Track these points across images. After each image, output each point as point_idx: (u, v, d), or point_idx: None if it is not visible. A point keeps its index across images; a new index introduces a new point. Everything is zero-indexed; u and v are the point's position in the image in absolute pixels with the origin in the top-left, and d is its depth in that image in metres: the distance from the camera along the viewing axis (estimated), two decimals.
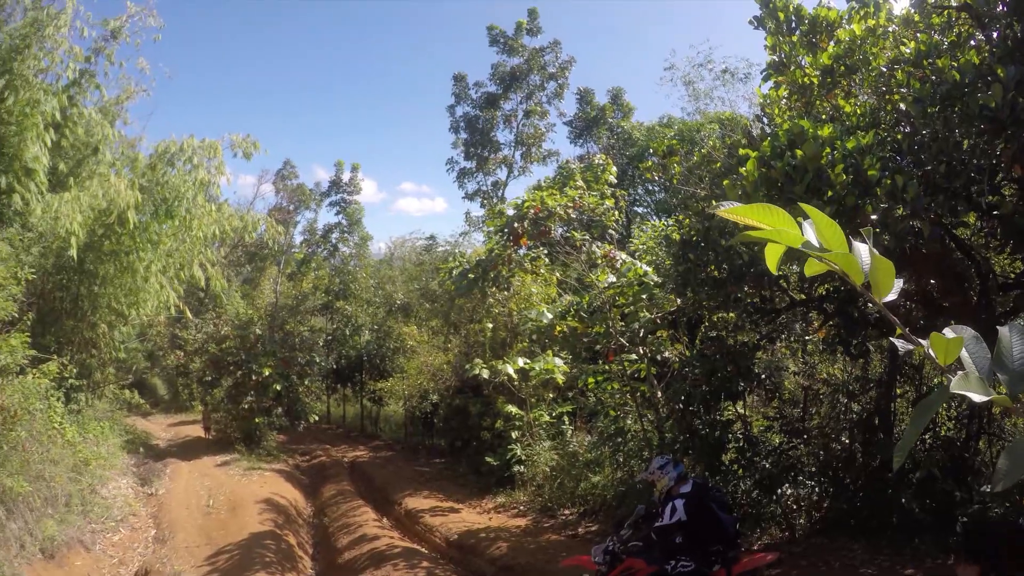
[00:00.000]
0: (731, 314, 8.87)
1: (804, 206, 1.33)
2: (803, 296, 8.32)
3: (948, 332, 1.22)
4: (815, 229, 1.24)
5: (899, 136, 6.16)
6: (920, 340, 1.25)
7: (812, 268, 1.29)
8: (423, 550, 10.31)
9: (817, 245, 1.24)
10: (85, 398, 12.04)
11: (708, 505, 5.60)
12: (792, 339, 9.55)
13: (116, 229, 11.85)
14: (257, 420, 17.78)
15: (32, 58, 11.91)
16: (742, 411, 9.15)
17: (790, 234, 1.23)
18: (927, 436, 8.03)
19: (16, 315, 8.47)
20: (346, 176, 36.77)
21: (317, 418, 21.63)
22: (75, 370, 10.18)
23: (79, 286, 11.94)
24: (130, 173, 13.30)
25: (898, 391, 8.54)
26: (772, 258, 1.32)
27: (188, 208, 13.23)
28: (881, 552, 7.07)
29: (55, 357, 9.14)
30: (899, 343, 1.33)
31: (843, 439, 8.55)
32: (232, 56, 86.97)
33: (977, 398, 1.15)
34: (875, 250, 1.24)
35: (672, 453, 9.20)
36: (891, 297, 1.24)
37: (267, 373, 17.79)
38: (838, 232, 1.22)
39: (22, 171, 11.85)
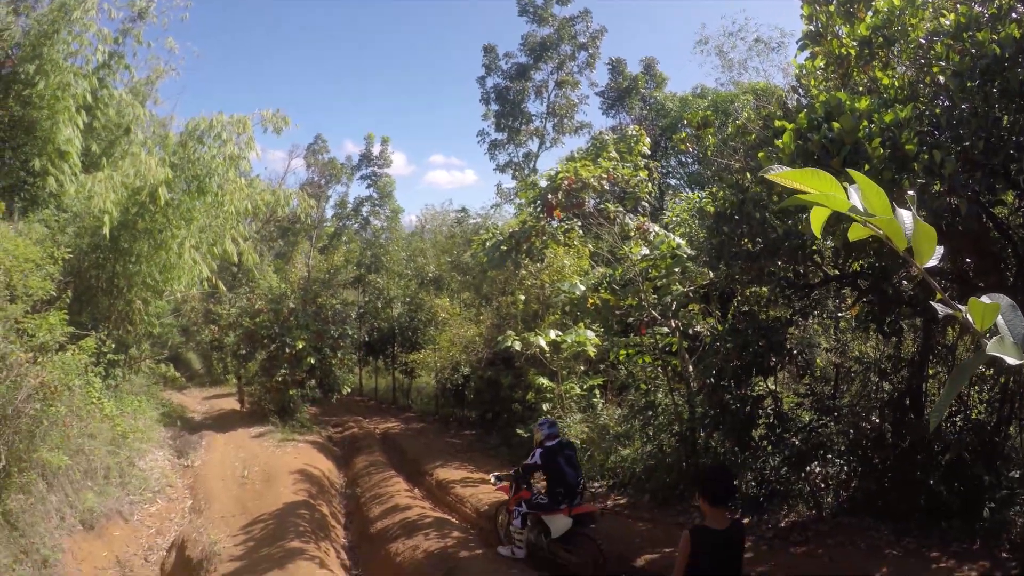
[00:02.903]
0: (764, 288, 8.73)
1: (851, 171, 1.37)
2: (837, 272, 8.15)
3: (985, 299, 1.26)
4: (860, 194, 1.28)
5: (937, 110, 5.95)
6: (958, 305, 1.28)
7: (856, 233, 1.32)
8: (454, 520, 10.40)
9: (862, 210, 1.27)
10: (122, 373, 12.29)
11: (557, 459, 7.74)
12: (825, 316, 9.37)
13: (149, 207, 12.00)
14: (291, 392, 18.05)
15: (61, 42, 12.09)
16: (773, 387, 9.01)
17: (837, 198, 1.26)
18: (958, 419, 7.86)
19: (54, 294, 8.63)
20: (376, 149, 36.77)
21: (349, 390, 21.84)
22: (112, 345, 10.35)
23: (114, 264, 12.14)
24: (161, 151, 13.44)
25: (930, 371, 8.33)
26: (817, 222, 1.35)
27: (220, 184, 13.34)
28: (908, 534, 6.98)
29: (93, 333, 9.29)
30: (938, 307, 1.35)
31: (873, 418, 8.38)
32: (261, 33, 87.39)
33: (1012, 361, 1.19)
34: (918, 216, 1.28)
35: (702, 427, 9.19)
36: (933, 262, 1.27)
37: (300, 346, 17.98)
38: (883, 197, 1.25)
39: (55, 153, 12.06)
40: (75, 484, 8.62)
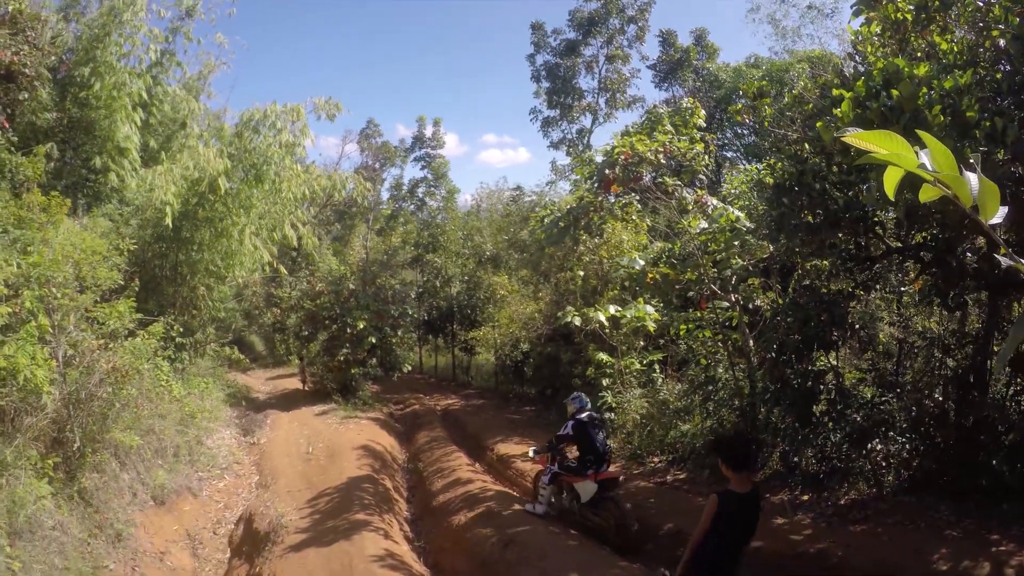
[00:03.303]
0: (825, 262, 8.48)
1: (920, 132, 1.43)
2: (899, 244, 7.85)
3: None
4: (929, 155, 1.34)
5: (998, 75, 5.63)
6: (1021, 260, 1.37)
7: (927, 193, 1.37)
8: (515, 494, 10.48)
9: (931, 169, 1.33)
10: (189, 356, 12.75)
11: (588, 430, 8.52)
12: (887, 290, 9.04)
13: (208, 197, 12.37)
14: (353, 371, 18.43)
15: (113, 44, 12.50)
16: (834, 362, 8.74)
17: (907, 158, 1.32)
18: (1022, 399, 7.48)
19: (121, 283, 8.96)
20: (428, 131, 36.95)
21: (410, 368, 22.19)
22: (180, 330, 10.72)
23: (177, 252, 12.58)
24: (218, 143, 13.82)
25: (995, 348, 7.94)
26: (891, 183, 1.41)
27: (276, 171, 13.63)
28: (968, 515, 6.73)
29: (160, 319, 9.62)
30: (1002, 260, 1.43)
31: (936, 395, 8.06)
32: (309, 22, 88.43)
33: None
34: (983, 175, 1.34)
35: (763, 403, 9.01)
36: (997, 220, 1.33)
37: (361, 326, 18.30)
38: (950, 157, 1.31)
39: (115, 150, 12.51)
40: (146, 462, 9.01)
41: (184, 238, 12.46)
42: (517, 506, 9.24)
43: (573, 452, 9.25)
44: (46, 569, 5.78)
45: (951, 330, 8.23)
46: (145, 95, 13.30)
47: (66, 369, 7.38)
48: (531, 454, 9.63)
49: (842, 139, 1.37)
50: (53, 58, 12.22)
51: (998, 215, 1.33)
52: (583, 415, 8.78)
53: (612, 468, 9.00)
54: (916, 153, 1.32)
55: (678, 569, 4.52)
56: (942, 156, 1.31)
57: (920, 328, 8.86)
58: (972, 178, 1.32)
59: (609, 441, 8.94)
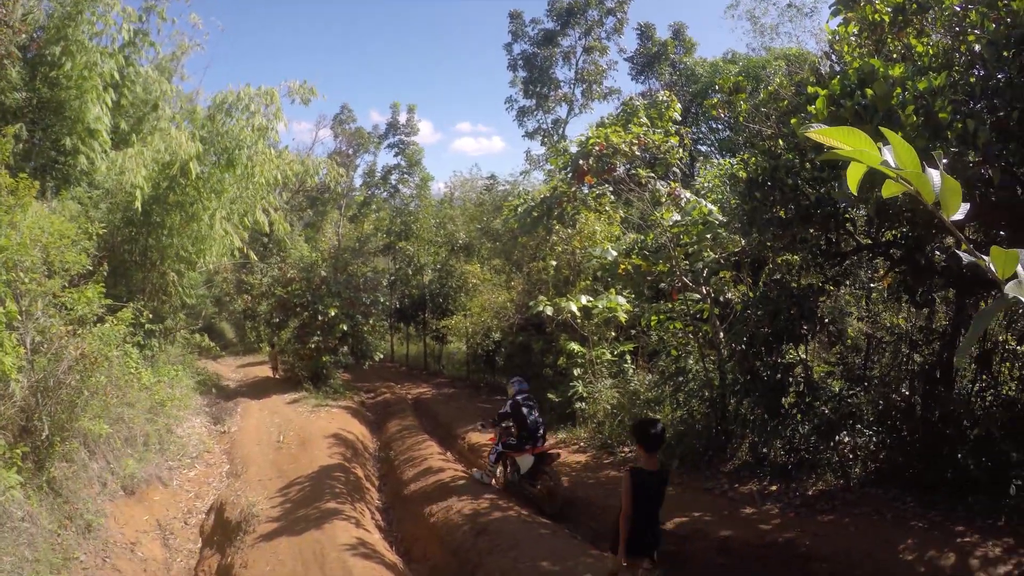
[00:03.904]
0: (796, 256, 8.61)
1: (883, 130, 1.44)
2: (870, 241, 7.99)
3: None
4: (892, 152, 1.36)
5: (972, 79, 5.75)
6: (983, 256, 1.36)
7: (890, 189, 1.41)
8: (486, 483, 10.54)
9: (894, 166, 1.35)
10: (158, 343, 12.59)
11: (522, 410, 9.64)
12: (857, 285, 9.22)
13: (179, 180, 12.16)
14: (324, 359, 18.34)
15: (85, 23, 12.19)
16: (803, 356, 8.91)
17: (870, 154, 1.34)
18: (988, 395, 7.69)
19: (90, 268, 8.78)
20: (403, 118, 36.60)
21: (381, 356, 22.12)
22: (149, 315, 10.58)
23: (147, 237, 12.37)
24: (190, 126, 13.59)
25: None
26: (854, 179, 1.43)
27: (249, 156, 13.45)
28: (934, 507, 6.89)
29: (129, 305, 9.47)
30: (963, 256, 1.43)
31: (903, 390, 8.22)
32: (285, 5, 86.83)
33: None
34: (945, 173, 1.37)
35: (733, 394, 9.16)
36: (959, 216, 1.36)
37: (333, 313, 18.22)
38: (913, 155, 1.33)
39: (85, 132, 12.22)
40: (116, 451, 8.90)
41: (154, 222, 12.25)
42: (475, 476, 10.37)
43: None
44: (15, 561, 5.68)
45: (919, 326, 8.37)
46: (117, 76, 13.02)
47: (34, 356, 7.23)
48: (479, 427, 11.48)
49: (806, 134, 1.40)
50: (24, 36, 11.87)
51: (959, 211, 1.35)
52: (521, 396, 9.89)
53: (547, 444, 10.09)
54: (880, 150, 1.35)
55: (620, 545, 5.10)
56: (905, 153, 1.34)
57: (888, 324, 9.03)
58: (934, 175, 1.35)
59: (542, 418, 9.98)
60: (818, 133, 1.37)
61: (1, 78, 11.48)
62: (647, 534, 5.15)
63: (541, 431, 9.71)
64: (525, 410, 9.69)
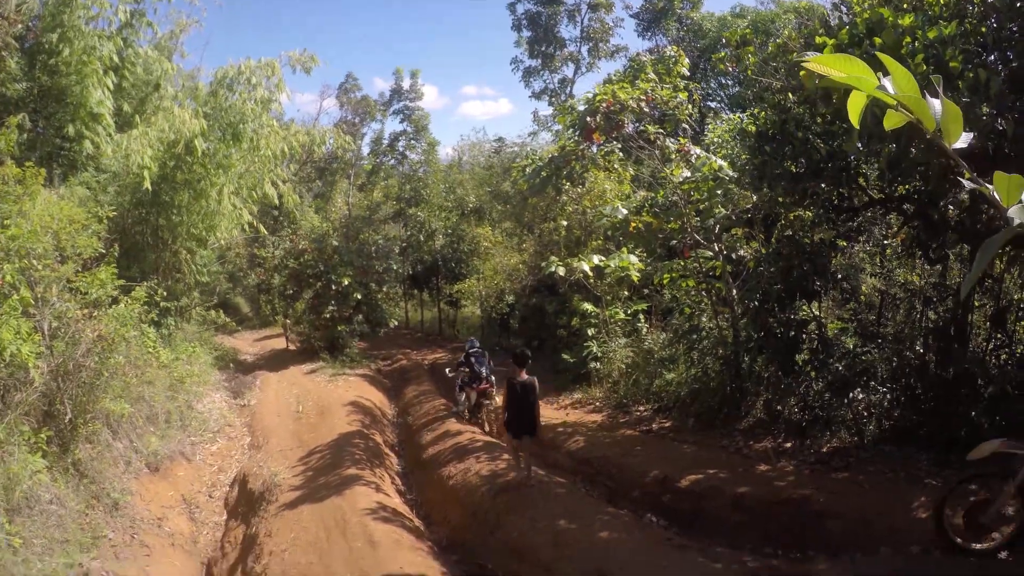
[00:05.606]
0: (808, 212, 8.50)
1: (882, 56, 1.40)
2: (882, 195, 7.87)
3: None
4: (891, 79, 1.34)
5: (984, 30, 5.57)
6: (987, 184, 1.34)
7: (891, 120, 1.37)
8: (503, 444, 10.67)
9: (893, 93, 1.33)
10: (174, 322, 12.71)
11: (471, 360, 12.48)
12: (870, 242, 9.10)
13: (186, 158, 12.14)
14: (339, 328, 18.50)
15: (80, 8, 12.09)
16: (817, 312, 8.84)
17: (867, 81, 1.32)
18: (1002, 353, 7.61)
19: (102, 251, 8.83)
20: (407, 83, 35.99)
21: (396, 323, 22.23)
22: (164, 294, 10.66)
23: (157, 217, 12.39)
24: (193, 103, 13.50)
25: (976, 303, 8.02)
26: (855, 110, 1.40)
27: (254, 129, 13.42)
28: (947, 466, 6.85)
29: (143, 284, 9.54)
30: (967, 183, 1.41)
31: (918, 347, 8.14)
32: None
33: None
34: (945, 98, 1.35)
35: (746, 351, 9.15)
36: (961, 144, 1.34)
37: (346, 283, 18.30)
38: (912, 81, 1.31)
39: (88, 117, 12.20)
40: (138, 430, 9.07)
41: (163, 202, 12.27)
42: (453, 411, 12.74)
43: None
44: (46, 543, 5.85)
45: (932, 283, 8.26)
46: (116, 58, 12.93)
47: (52, 341, 7.32)
48: (448, 372, 13.67)
49: (805, 65, 1.39)
50: (20, 26, 11.80)
51: (961, 139, 1.34)
52: (473, 350, 12.81)
53: (485, 385, 12.53)
54: (878, 77, 1.33)
55: (501, 422, 8.62)
56: (903, 80, 1.32)
57: (902, 280, 8.92)
58: (935, 102, 1.33)
59: (486, 369, 12.50)
60: (814, 61, 1.37)
61: (0, 70, 11.45)
62: (520, 422, 7.85)
63: (484, 375, 12.41)
64: (473, 359, 12.53)
